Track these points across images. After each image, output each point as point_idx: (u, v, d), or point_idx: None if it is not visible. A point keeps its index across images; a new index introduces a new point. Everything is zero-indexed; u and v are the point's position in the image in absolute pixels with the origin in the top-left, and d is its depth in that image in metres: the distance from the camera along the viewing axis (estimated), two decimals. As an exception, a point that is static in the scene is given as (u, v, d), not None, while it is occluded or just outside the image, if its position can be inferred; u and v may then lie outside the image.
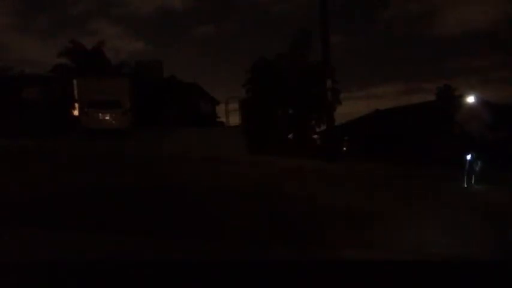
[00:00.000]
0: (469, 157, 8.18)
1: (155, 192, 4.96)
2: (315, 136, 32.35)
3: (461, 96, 11.43)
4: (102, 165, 7.50)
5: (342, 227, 3.87)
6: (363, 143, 27.49)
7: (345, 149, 28.20)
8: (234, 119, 27.72)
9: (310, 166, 10.43)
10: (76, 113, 19.06)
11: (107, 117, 15.83)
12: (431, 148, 21.75)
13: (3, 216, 3.25)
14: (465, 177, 8.15)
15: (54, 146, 11.37)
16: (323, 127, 28.20)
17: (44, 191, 4.63)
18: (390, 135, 26.11)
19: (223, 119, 30.45)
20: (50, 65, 28.83)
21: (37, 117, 16.46)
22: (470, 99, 9.81)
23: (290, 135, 31.99)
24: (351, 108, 65.04)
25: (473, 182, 8.21)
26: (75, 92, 20.08)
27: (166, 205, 4.28)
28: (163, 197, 4.69)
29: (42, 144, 11.03)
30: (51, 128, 16.34)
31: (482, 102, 10.16)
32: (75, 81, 20.12)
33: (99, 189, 4.90)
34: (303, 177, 8.02)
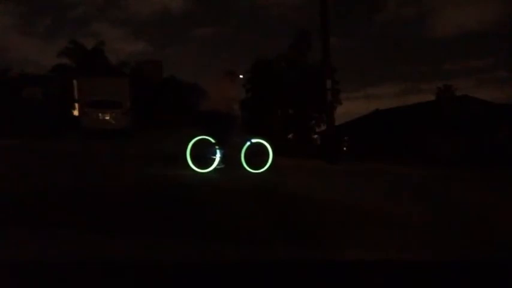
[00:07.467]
0: None
1: (150, 192, 4.97)
2: (315, 136, 32.33)
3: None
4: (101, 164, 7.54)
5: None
6: (363, 143, 27.52)
7: (345, 149, 28.22)
8: (234, 119, 27.76)
9: (310, 166, 10.43)
10: (76, 113, 19.11)
11: (107, 117, 15.85)
12: (431, 148, 21.76)
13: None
14: None
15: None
16: (323, 127, 28.23)
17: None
18: (390, 135, 26.12)
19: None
20: (50, 66, 28.87)
21: (37, 117, 16.47)
22: None
23: (290, 135, 31.99)
24: (350, 108, 65.29)
25: None
26: (75, 92, 20.12)
27: (163, 205, 4.29)
28: (158, 196, 4.70)
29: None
30: (51, 128, 16.36)
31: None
32: (75, 81, 20.18)
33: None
34: (302, 177, 8.02)
